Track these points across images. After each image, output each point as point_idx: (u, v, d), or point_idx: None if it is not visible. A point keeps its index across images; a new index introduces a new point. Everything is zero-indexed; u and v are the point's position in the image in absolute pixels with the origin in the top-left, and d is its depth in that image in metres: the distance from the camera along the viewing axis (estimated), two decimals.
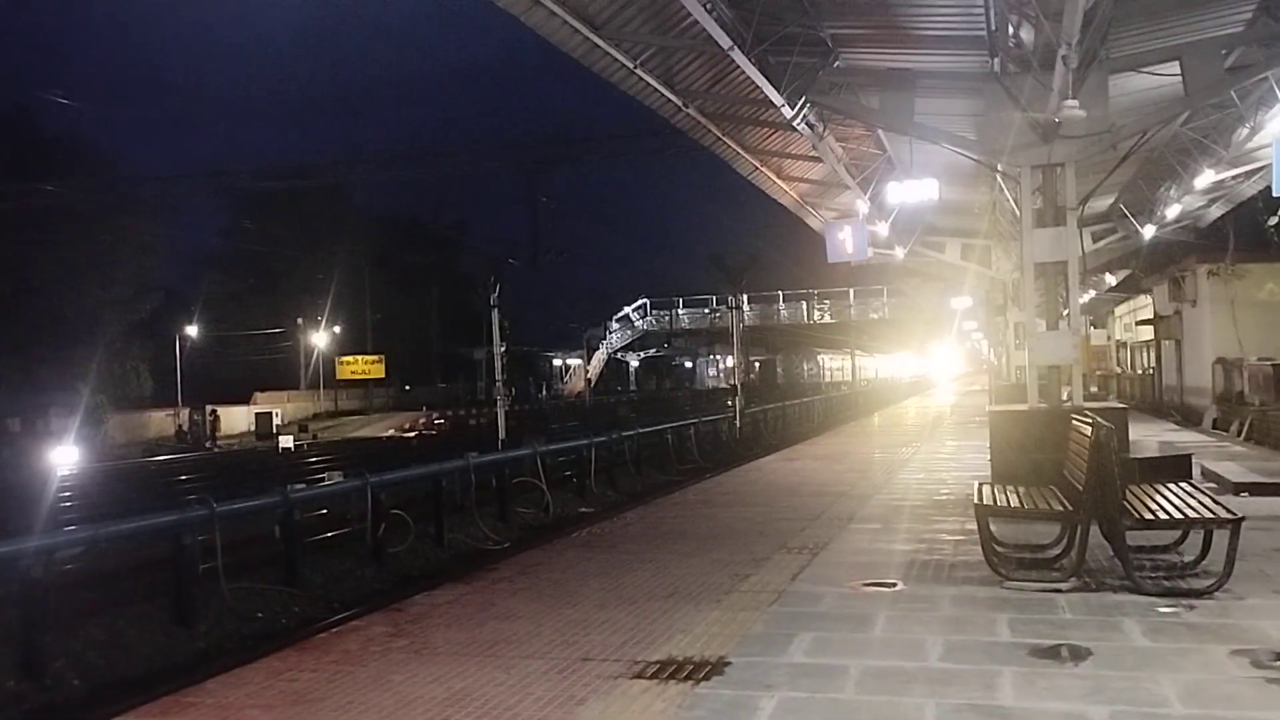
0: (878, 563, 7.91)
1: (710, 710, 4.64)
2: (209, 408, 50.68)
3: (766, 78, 12.69)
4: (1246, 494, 10.82)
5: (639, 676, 5.18)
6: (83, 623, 9.64)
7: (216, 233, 69.40)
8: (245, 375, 62.72)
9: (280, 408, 56.38)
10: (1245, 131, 15.75)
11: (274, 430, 48.39)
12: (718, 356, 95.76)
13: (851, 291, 73.05)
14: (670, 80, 14.44)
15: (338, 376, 66.01)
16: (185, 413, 50.53)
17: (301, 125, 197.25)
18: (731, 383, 35.19)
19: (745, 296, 38.18)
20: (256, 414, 53.79)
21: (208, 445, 46.82)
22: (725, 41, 11.60)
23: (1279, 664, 4.99)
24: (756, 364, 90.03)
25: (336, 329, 67.47)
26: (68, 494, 24.44)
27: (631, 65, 13.25)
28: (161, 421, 50.48)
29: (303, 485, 15.42)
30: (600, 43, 12.43)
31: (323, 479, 23.05)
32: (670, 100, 14.86)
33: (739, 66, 12.54)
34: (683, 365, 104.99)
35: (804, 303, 75.99)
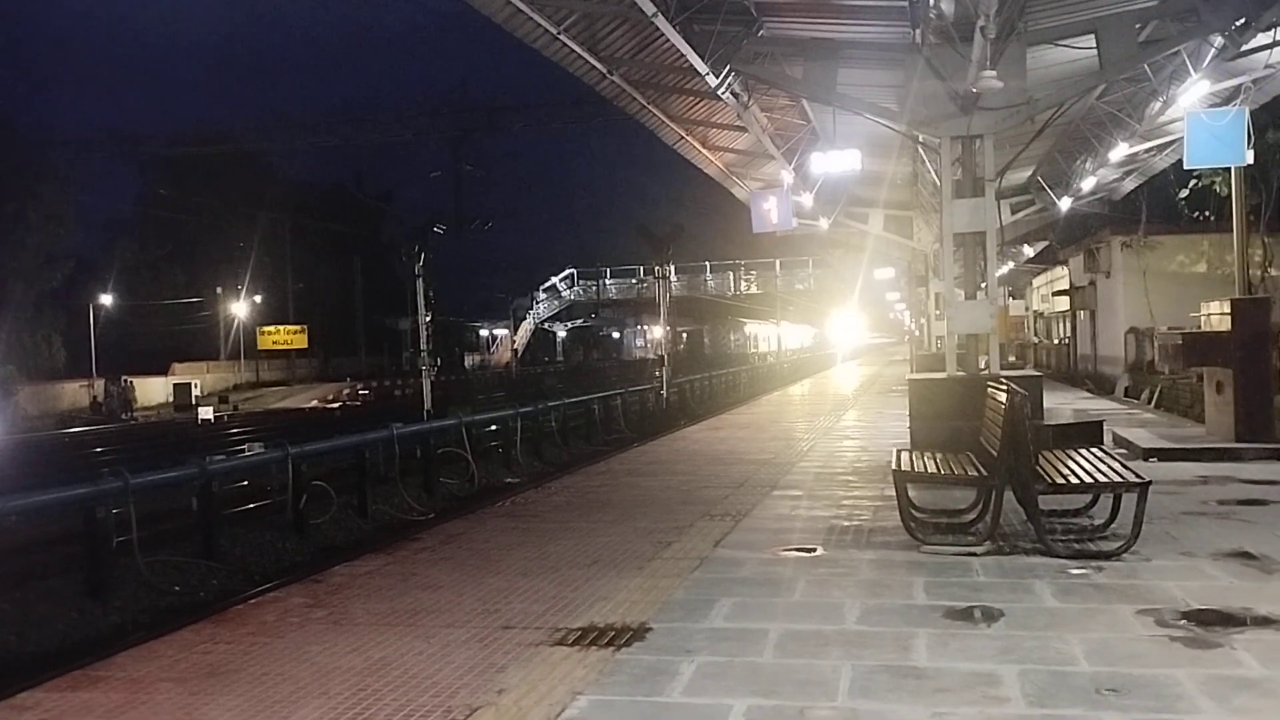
0: (798, 529, 8.01)
1: (630, 676, 4.66)
2: (125, 379, 49.44)
3: (691, 46, 12.60)
4: (1155, 459, 11.16)
5: (560, 644, 5.19)
6: None
7: (130, 200, 67.42)
8: (163, 346, 61.13)
9: (199, 379, 55.18)
10: (1158, 105, 16.06)
11: (193, 401, 47.44)
12: (645, 327, 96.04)
13: (778, 263, 73.49)
14: (594, 47, 14.31)
15: (259, 347, 64.76)
16: (100, 384, 49.22)
17: (218, 90, 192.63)
18: (659, 353, 35.23)
19: (672, 267, 38.01)
20: (175, 385, 52.59)
21: (124, 417, 45.72)
22: (649, 8, 11.48)
23: (1183, 623, 5.15)
24: (684, 334, 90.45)
25: (257, 299, 66.07)
26: None
27: (555, 31, 13.09)
28: (75, 393, 49.13)
29: (222, 456, 15.15)
30: (523, 7, 12.26)
31: (243, 450, 22.68)
32: (595, 67, 14.72)
33: (663, 34, 12.45)
34: (610, 336, 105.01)
35: (731, 273, 76.31)
